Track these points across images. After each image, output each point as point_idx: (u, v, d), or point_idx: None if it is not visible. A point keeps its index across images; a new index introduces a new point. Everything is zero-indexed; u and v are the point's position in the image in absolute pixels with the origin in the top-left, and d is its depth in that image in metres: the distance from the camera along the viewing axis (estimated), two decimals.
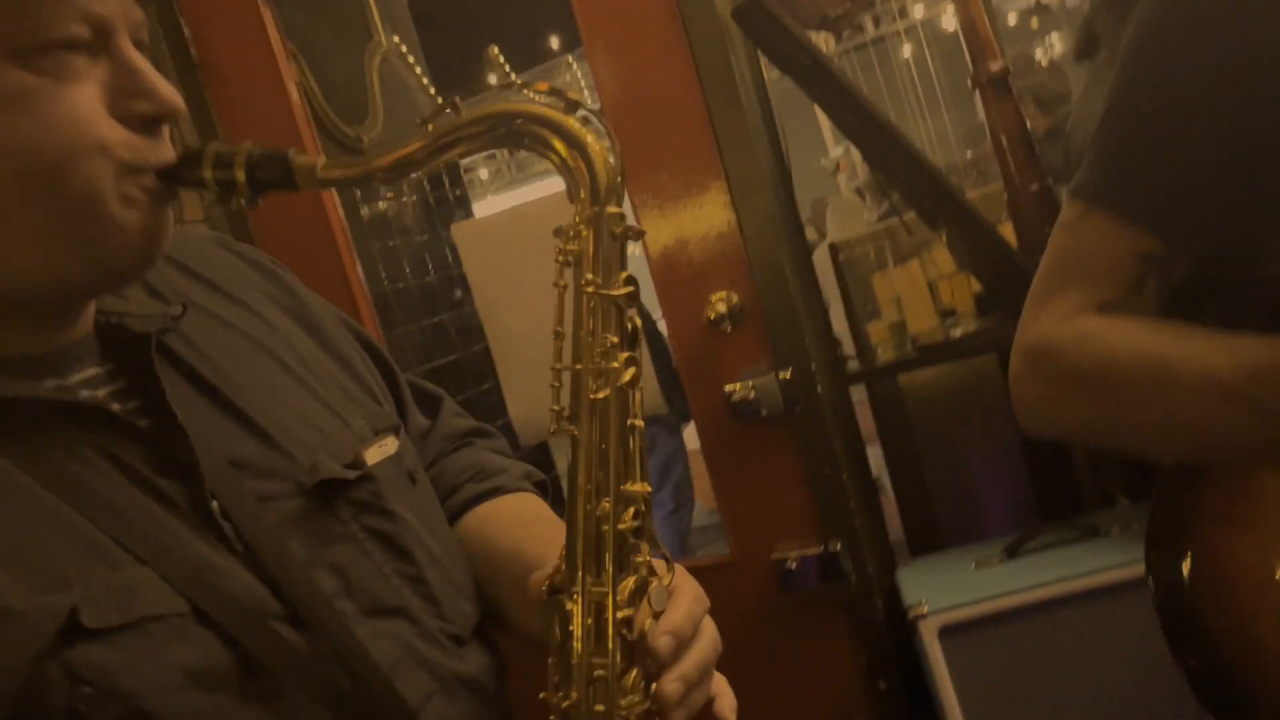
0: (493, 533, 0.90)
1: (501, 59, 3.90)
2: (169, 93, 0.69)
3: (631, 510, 0.72)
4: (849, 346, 2.09)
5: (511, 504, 0.94)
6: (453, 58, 3.73)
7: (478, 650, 0.82)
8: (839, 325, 2.08)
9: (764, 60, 1.93)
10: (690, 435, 3.49)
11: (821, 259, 2.17)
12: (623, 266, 0.72)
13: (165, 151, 0.69)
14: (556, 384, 0.72)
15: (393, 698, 0.72)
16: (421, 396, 1.00)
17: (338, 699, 0.69)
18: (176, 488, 0.70)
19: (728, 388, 1.80)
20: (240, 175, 0.70)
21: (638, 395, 0.72)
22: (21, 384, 0.68)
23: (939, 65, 4.75)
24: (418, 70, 2.98)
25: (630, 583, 0.72)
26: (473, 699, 0.78)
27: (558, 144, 0.71)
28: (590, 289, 0.71)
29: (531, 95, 0.77)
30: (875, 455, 2.20)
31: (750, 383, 1.79)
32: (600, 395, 0.71)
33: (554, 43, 5.05)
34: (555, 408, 0.72)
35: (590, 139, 0.71)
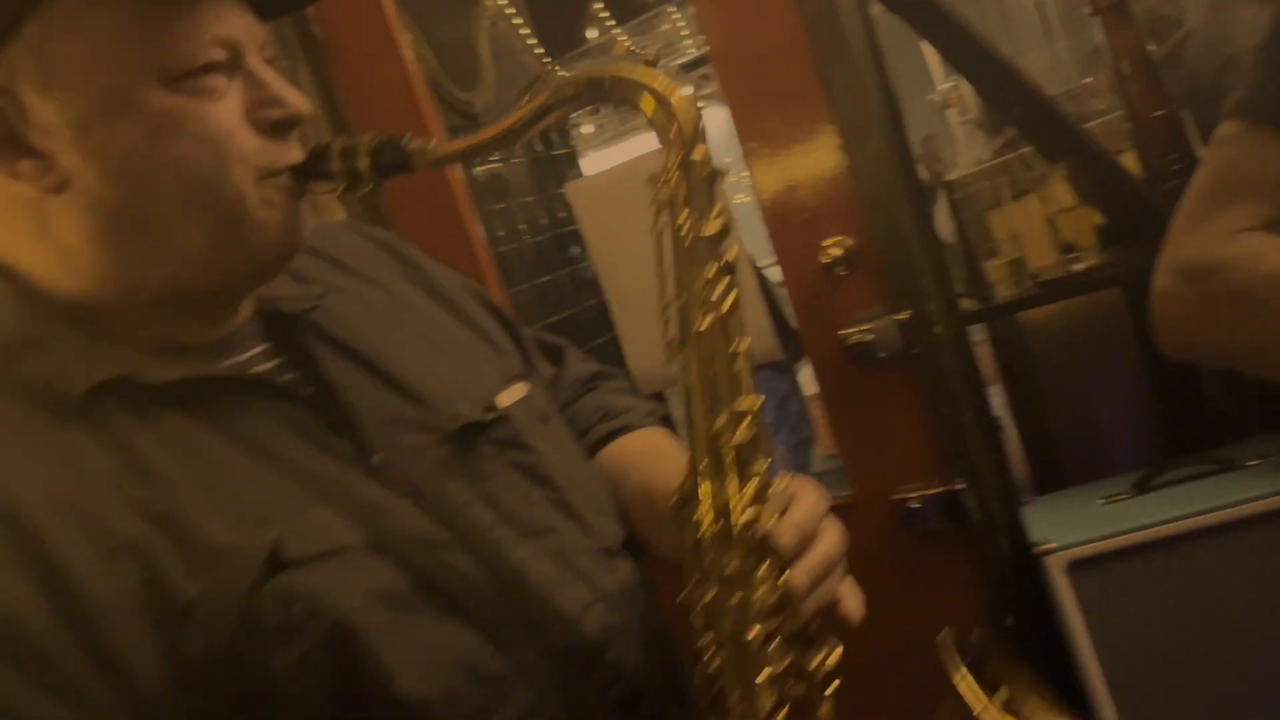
0: (623, 467, 0.96)
1: (604, 13, 3.91)
2: (296, 99, 0.77)
3: (744, 422, 0.77)
4: (966, 286, 2.07)
5: (639, 438, 1.00)
6: (556, 15, 3.77)
7: (627, 564, 0.89)
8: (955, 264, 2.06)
9: None
10: (808, 379, 3.50)
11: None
12: (713, 204, 0.77)
13: (295, 152, 0.78)
14: (665, 319, 0.79)
15: (554, 609, 0.79)
16: (546, 348, 1.08)
17: (503, 613, 0.77)
18: (343, 444, 0.78)
19: (844, 331, 1.82)
20: (364, 164, 0.78)
21: (739, 322, 0.78)
22: (204, 365, 0.78)
23: None
24: (523, 31, 3.03)
25: (750, 488, 0.77)
26: (628, 606, 0.85)
27: (643, 99, 0.77)
28: (685, 229, 0.76)
29: (622, 53, 0.82)
30: (997, 396, 2.18)
31: (867, 325, 1.80)
32: (704, 325, 0.77)
33: None
34: (665, 340, 0.79)
35: (671, 91, 0.76)
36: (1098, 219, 1.82)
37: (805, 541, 0.77)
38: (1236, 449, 1.74)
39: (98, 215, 0.73)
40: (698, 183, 0.76)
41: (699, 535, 0.77)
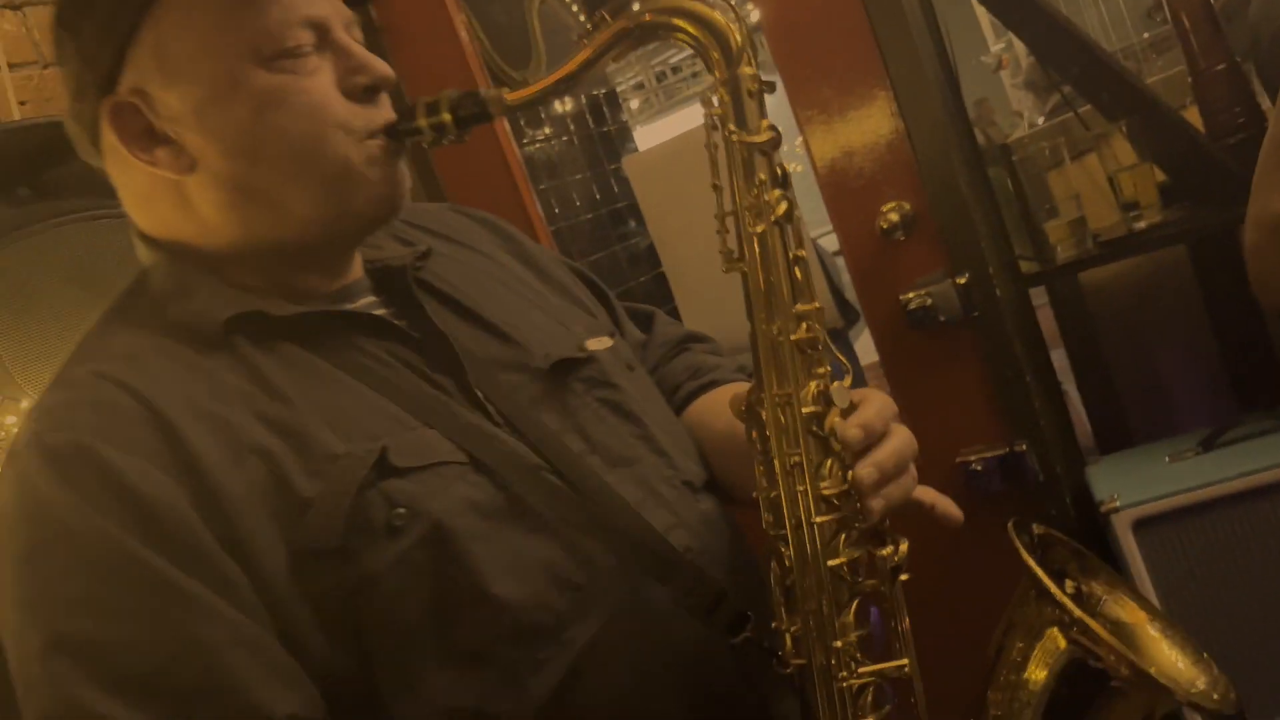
0: (710, 417, 1.01)
1: None
2: (380, 65, 0.86)
3: (804, 325, 0.81)
4: (1026, 248, 2.06)
5: (726, 391, 1.04)
6: None
7: (710, 499, 0.94)
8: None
9: None
10: (864, 350, 3.49)
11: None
12: (763, 116, 0.82)
13: (387, 113, 0.86)
14: (724, 230, 0.83)
15: (638, 527, 0.85)
16: (635, 315, 1.16)
17: (590, 530, 0.83)
18: (448, 381, 0.87)
19: (903, 296, 1.82)
20: (447, 117, 0.85)
21: (795, 229, 0.81)
22: (324, 305, 0.88)
23: None
24: (574, 8, 3.05)
25: (813, 386, 0.80)
26: (709, 533, 0.90)
27: (687, 25, 0.82)
28: (735, 139, 0.81)
29: None
30: (1060, 360, 2.17)
31: (926, 290, 1.80)
32: (759, 229, 0.80)
33: None
34: (723, 250, 0.83)
35: (715, 14, 0.81)
36: (1160, 176, 1.80)
37: (871, 438, 0.80)
38: None
39: (224, 188, 0.83)
40: (745, 98, 0.81)
41: (765, 431, 0.81)
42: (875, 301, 1.88)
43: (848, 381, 0.81)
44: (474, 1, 2.37)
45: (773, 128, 0.81)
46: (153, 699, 0.72)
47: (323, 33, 0.83)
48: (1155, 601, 1.63)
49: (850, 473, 0.78)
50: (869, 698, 0.80)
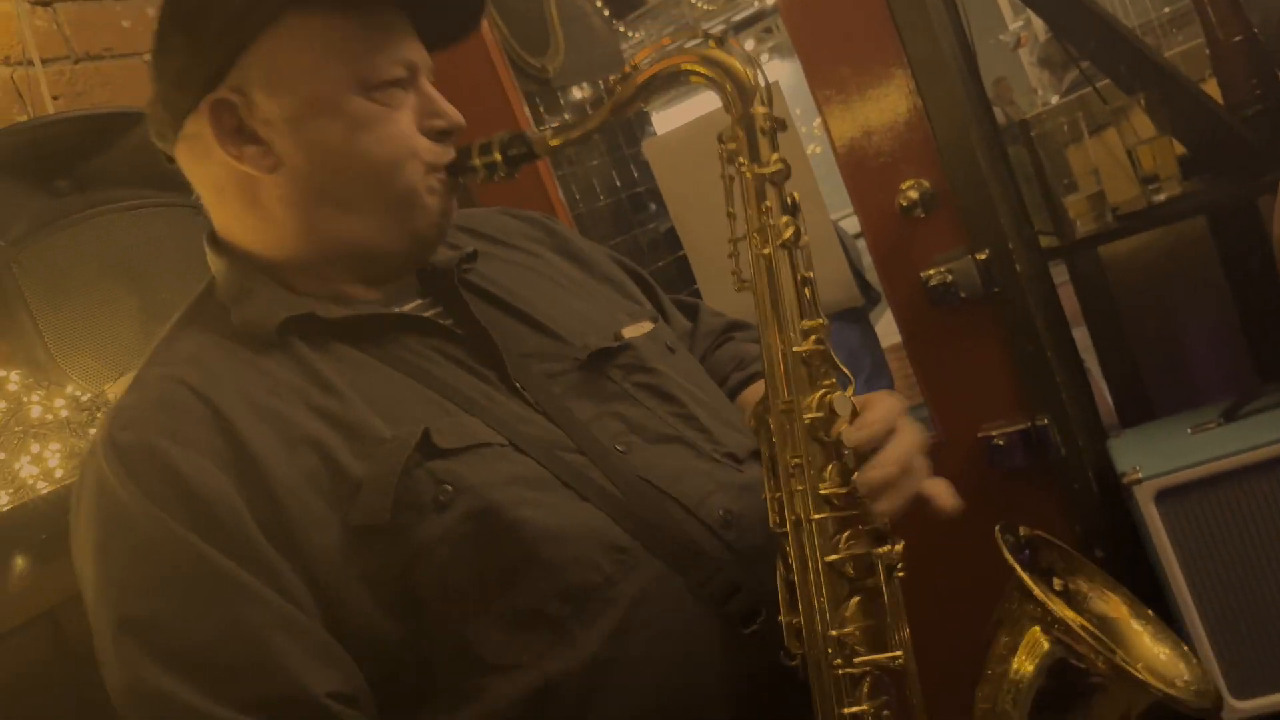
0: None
1: None
2: (456, 114, 0.96)
3: (811, 339, 0.86)
4: (1045, 224, 2.07)
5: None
6: None
7: (753, 469, 0.97)
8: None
9: None
10: (885, 330, 3.50)
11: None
12: (773, 150, 0.89)
13: (449, 153, 0.96)
14: (734, 253, 0.90)
15: (677, 493, 0.90)
16: (681, 306, 1.23)
17: (631, 499, 0.89)
18: (490, 373, 0.93)
19: (924, 274, 1.83)
20: (498, 157, 0.94)
21: (802, 252, 0.88)
22: (371, 308, 0.95)
23: None
24: None
25: (816, 395, 0.86)
26: (753, 498, 0.93)
27: (707, 70, 0.90)
28: (746, 172, 0.88)
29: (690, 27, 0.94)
30: (1082, 338, 2.17)
31: (946, 267, 1.81)
32: (765, 251, 0.87)
33: None
34: (734, 271, 0.90)
35: (732, 61, 0.89)
36: (1179, 149, 1.81)
37: (874, 442, 0.84)
38: None
39: (301, 191, 0.91)
40: (758, 134, 0.88)
41: (771, 438, 0.86)
42: (896, 280, 1.89)
43: (850, 391, 0.86)
44: None
45: (782, 161, 0.88)
46: (205, 675, 0.78)
47: (413, 74, 0.94)
48: (1178, 572, 1.64)
49: (854, 476, 0.83)
50: (865, 688, 0.84)
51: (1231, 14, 1.72)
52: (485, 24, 2.11)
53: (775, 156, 0.88)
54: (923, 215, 1.82)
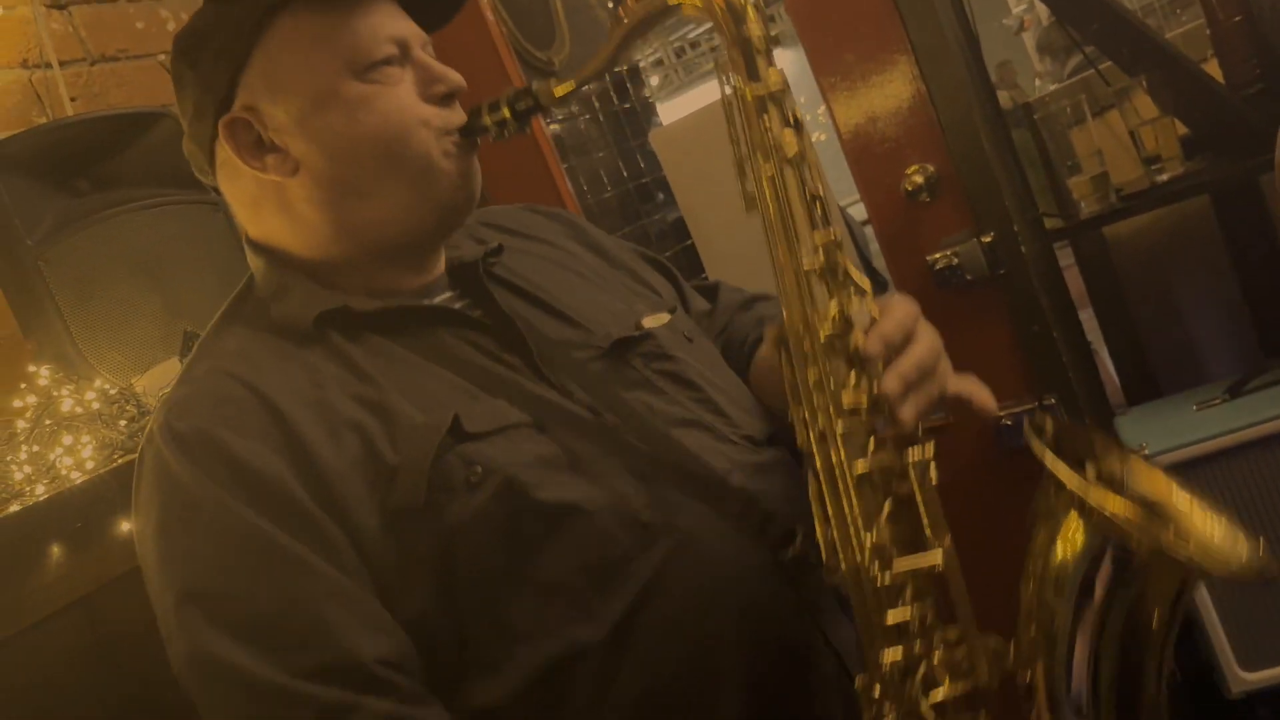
0: (775, 359, 1.05)
1: None
2: (455, 76, 0.98)
3: (821, 253, 0.86)
4: (1050, 205, 2.08)
5: None
6: None
7: (774, 451, 1.01)
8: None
9: None
10: None
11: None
12: (770, 66, 0.88)
13: (459, 115, 0.98)
14: (742, 175, 0.90)
15: (698, 472, 0.93)
16: (701, 289, 1.26)
17: (653, 478, 0.92)
18: (517, 360, 0.97)
19: (930, 257, 1.85)
20: (507, 113, 0.96)
21: (810, 171, 0.87)
22: (404, 301, 0.99)
23: None
24: None
25: (833, 307, 0.85)
26: (769, 477, 0.96)
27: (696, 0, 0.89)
28: (744, 89, 0.88)
29: None
30: (1089, 321, 2.19)
31: (952, 250, 1.83)
32: (769, 170, 0.87)
33: None
34: (743, 194, 0.90)
35: None
36: (1181, 129, 1.82)
37: (892, 349, 0.84)
38: None
39: (324, 187, 0.94)
40: (753, 53, 0.88)
41: (791, 357, 0.87)
42: (902, 263, 1.91)
43: (867, 301, 0.86)
44: None
45: (782, 77, 0.88)
46: (264, 643, 0.83)
47: (404, 49, 0.95)
48: None
49: (876, 384, 0.83)
50: (908, 594, 0.83)
51: None
52: (491, 18, 2.14)
53: (774, 72, 0.88)
54: (928, 199, 1.84)
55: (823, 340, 0.85)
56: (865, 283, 0.86)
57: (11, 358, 1.55)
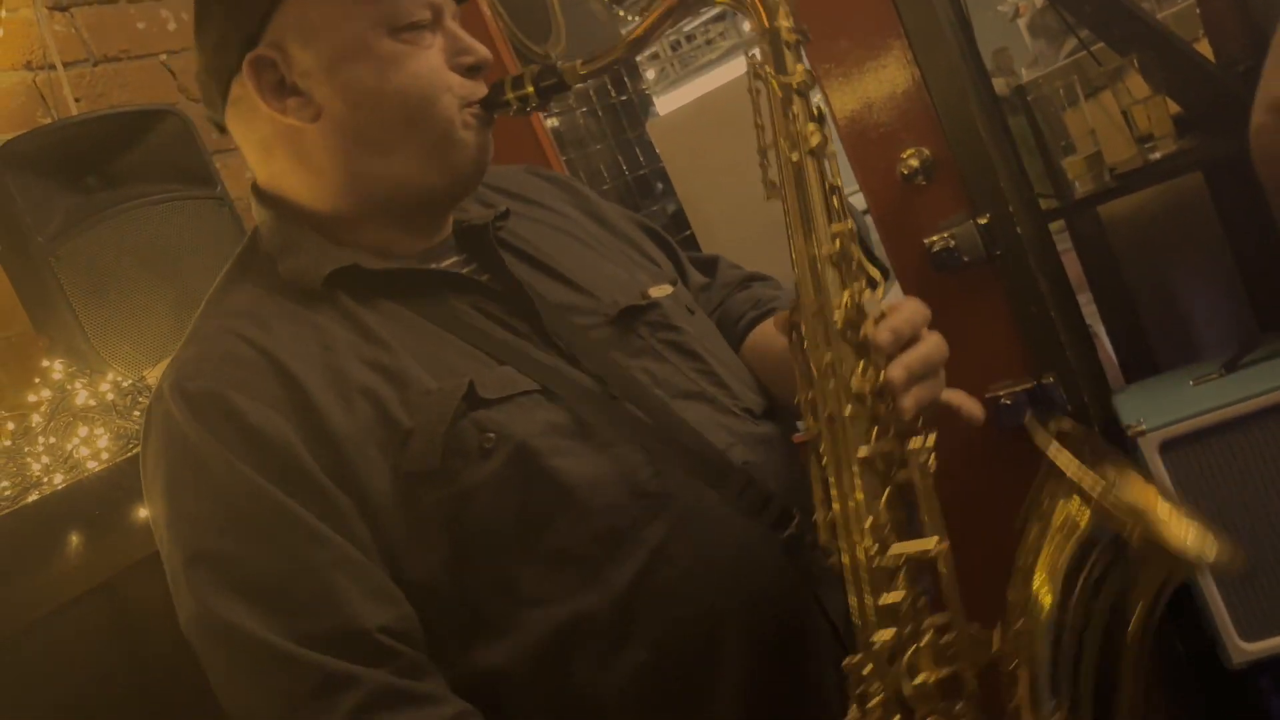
0: (770, 340, 1.10)
1: None
2: (482, 49, 0.99)
3: (838, 242, 0.88)
4: (1045, 187, 2.10)
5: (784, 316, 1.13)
6: None
7: (770, 424, 1.03)
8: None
9: None
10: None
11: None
12: (799, 62, 0.91)
13: (482, 88, 0.99)
14: (764, 163, 0.93)
15: (701, 443, 0.95)
16: (699, 261, 1.27)
17: (658, 447, 0.93)
18: (524, 326, 0.98)
19: (927, 240, 1.87)
20: (531, 89, 0.98)
21: (830, 162, 0.90)
22: (414, 263, 0.99)
23: None
24: None
25: (846, 296, 0.88)
26: (768, 450, 0.98)
27: None
28: (772, 80, 0.90)
29: None
30: (1088, 303, 2.20)
31: (949, 232, 1.85)
32: (794, 157, 0.89)
33: None
34: (765, 181, 0.93)
35: None
36: (1173, 108, 1.84)
37: (901, 341, 0.87)
38: None
39: (343, 136, 0.94)
40: (782, 46, 0.90)
41: (802, 342, 0.90)
42: (900, 247, 1.93)
43: (880, 292, 0.89)
44: None
45: (808, 71, 0.90)
46: (270, 608, 0.84)
47: (438, 15, 0.97)
48: None
49: (882, 373, 0.86)
50: (901, 578, 0.86)
51: None
52: (488, 14, 2.15)
53: (800, 67, 0.91)
54: (924, 183, 1.86)
55: (836, 325, 0.87)
56: (877, 274, 0.89)
57: (23, 354, 1.58)
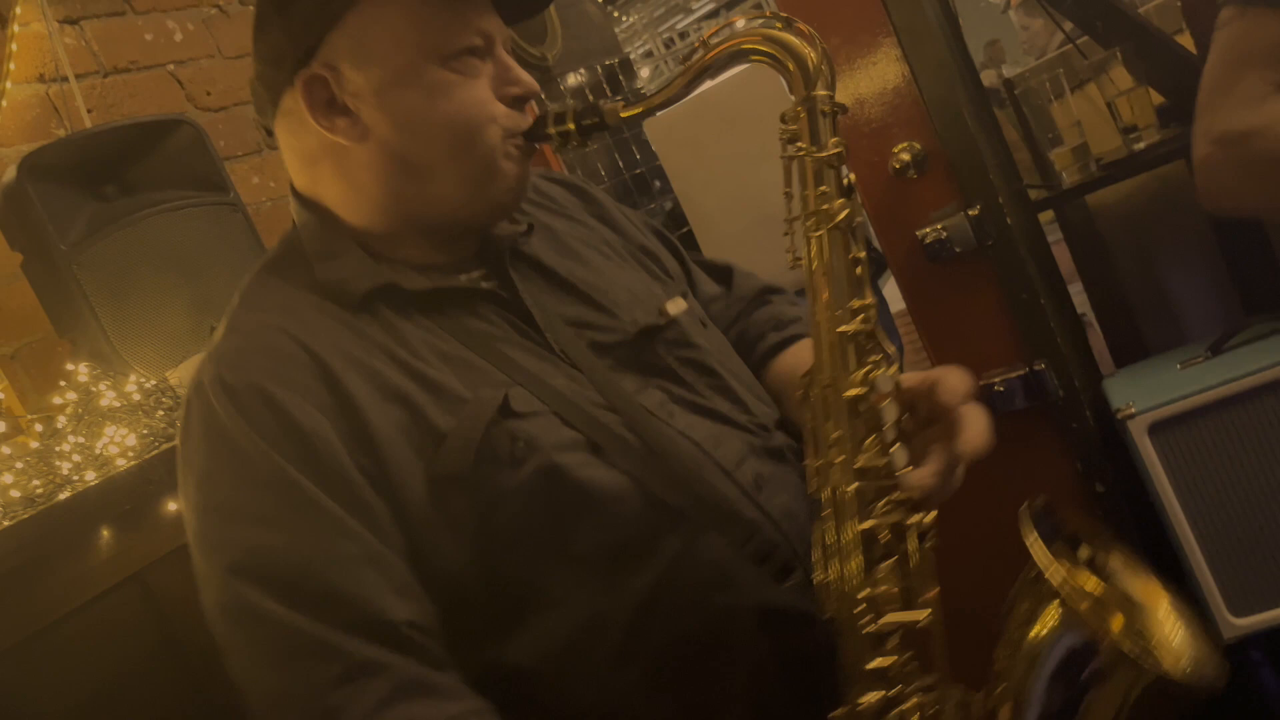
0: (794, 369, 1.11)
1: None
2: (530, 80, 1.01)
3: (859, 318, 0.90)
4: (1034, 178, 2.15)
5: (806, 346, 1.13)
6: None
7: (783, 435, 1.06)
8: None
9: None
10: (892, 295, 3.57)
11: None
12: (834, 134, 0.91)
13: (527, 120, 1.01)
14: (789, 232, 0.93)
15: (714, 459, 0.97)
16: (712, 270, 1.28)
17: (672, 465, 0.95)
18: (543, 348, 1.00)
19: (920, 232, 1.91)
20: (572, 126, 0.99)
21: (856, 233, 0.91)
22: (445, 280, 1.01)
23: None
24: None
25: (860, 373, 0.90)
26: (782, 464, 1.01)
27: (774, 51, 0.93)
28: (804, 154, 0.91)
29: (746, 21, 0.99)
30: (1079, 294, 2.23)
31: (941, 224, 1.89)
32: (818, 233, 0.90)
33: None
34: (788, 251, 0.93)
35: (795, 42, 0.93)
36: (1157, 98, 1.89)
37: (932, 492, 0.88)
38: None
39: (388, 160, 0.97)
40: (819, 116, 0.91)
41: (812, 409, 0.91)
42: (894, 240, 1.97)
43: (893, 370, 0.90)
44: None
45: (841, 144, 0.91)
46: (298, 597, 0.86)
47: (489, 42, 0.98)
48: (1174, 499, 1.71)
49: (891, 450, 0.87)
50: (891, 644, 0.88)
51: None
52: None
53: (834, 140, 0.90)
54: (915, 176, 1.91)
55: (847, 401, 0.88)
56: (891, 349, 0.91)
57: (46, 358, 1.62)
